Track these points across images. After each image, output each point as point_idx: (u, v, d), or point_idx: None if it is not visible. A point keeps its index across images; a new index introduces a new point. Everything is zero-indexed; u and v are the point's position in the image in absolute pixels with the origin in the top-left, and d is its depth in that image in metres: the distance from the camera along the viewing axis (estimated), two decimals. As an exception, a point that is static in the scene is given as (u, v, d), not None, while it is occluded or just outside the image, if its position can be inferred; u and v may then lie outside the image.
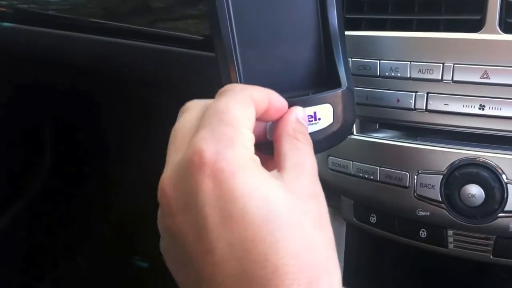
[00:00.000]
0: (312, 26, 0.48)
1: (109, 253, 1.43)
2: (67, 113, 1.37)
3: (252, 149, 0.38)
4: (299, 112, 0.44)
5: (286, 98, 0.46)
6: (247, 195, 0.35)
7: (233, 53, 0.47)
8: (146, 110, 1.23)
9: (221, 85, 0.48)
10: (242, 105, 0.39)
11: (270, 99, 0.42)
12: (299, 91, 0.48)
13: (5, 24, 0.95)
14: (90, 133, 1.40)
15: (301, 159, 0.41)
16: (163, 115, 1.17)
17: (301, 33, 0.48)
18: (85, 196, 1.45)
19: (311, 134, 0.46)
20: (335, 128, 0.47)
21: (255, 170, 0.37)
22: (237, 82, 0.47)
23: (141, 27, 0.86)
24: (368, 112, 0.57)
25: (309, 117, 0.46)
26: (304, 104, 0.46)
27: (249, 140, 0.38)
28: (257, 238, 0.35)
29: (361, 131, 0.59)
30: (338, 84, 0.47)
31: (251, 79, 0.47)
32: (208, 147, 0.36)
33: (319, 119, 0.46)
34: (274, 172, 0.39)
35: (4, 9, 0.99)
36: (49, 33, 0.93)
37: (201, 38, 0.79)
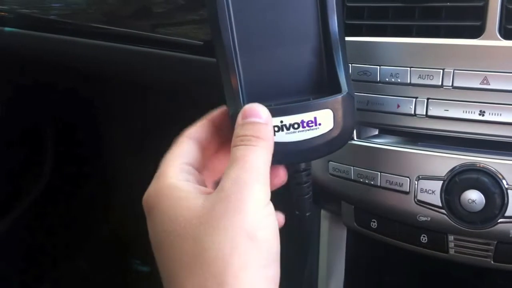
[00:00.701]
0: (313, 32, 0.48)
1: (109, 253, 1.42)
2: (68, 114, 1.38)
3: (178, 175, 0.44)
4: (247, 110, 0.45)
5: (286, 104, 0.46)
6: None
7: (234, 59, 0.47)
8: (145, 112, 1.24)
9: (221, 90, 0.48)
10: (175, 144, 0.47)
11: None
12: (299, 96, 0.48)
13: (7, 29, 0.95)
14: (90, 133, 1.41)
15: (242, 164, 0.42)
16: (161, 117, 1.18)
17: (302, 38, 0.48)
18: (85, 196, 1.45)
19: (311, 139, 0.46)
20: (335, 133, 0.47)
21: (173, 194, 0.42)
22: (237, 88, 0.47)
23: (141, 32, 0.86)
24: (368, 118, 0.57)
25: (309, 122, 0.46)
26: (305, 110, 0.46)
27: (178, 170, 0.44)
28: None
29: (362, 136, 0.59)
30: (338, 90, 0.47)
31: (251, 85, 0.48)
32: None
33: (320, 124, 0.46)
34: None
35: (4, 13, 0.99)
36: (50, 38, 0.93)
37: (201, 43, 0.79)
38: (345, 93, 0.47)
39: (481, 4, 0.52)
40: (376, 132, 0.60)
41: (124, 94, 1.17)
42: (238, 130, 0.44)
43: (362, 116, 0.57)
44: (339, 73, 0.48)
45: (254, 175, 0.41)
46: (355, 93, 0.49)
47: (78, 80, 1.14)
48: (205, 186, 0.46)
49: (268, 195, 0.42)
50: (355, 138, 0.59)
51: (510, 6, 0.51)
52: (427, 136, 0.56)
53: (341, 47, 0.48)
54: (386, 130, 0.59)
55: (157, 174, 0.45)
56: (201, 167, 0.47)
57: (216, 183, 0.48)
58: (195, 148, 0.47)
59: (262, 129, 0.44)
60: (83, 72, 1.05)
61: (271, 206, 0.42)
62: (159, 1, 0.90)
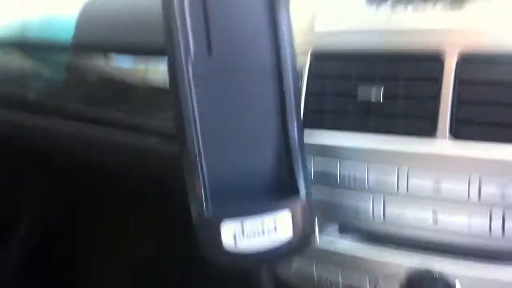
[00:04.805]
0: (274, 136, 0.50)
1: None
2: (44, 201, 1.34)
3: None
4: None
5: (245, 207, 0.48)
6: None
7: (199, 164, 0.48)
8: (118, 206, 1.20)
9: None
10: None
11: None
12: (260, 198, 0.49)
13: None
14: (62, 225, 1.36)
15: None
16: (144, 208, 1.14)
17: (263, 141, 0.50)
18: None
19: (270, 243, 0.47)
20: (294, 239, 0.48)
21: None
22: (201, 194, 0.48)
23: (118, 117, 0.87)
24: (328, 217, 0.58)
25: (268, 225, 0.47)
26: (264, 212, 0.47)
27: None
28: None
29: (323, 230, 0.60)
30: (297, 192, 0.48)
31: (215, 187, 0.49)
32: None
33: (278, 227, 0.47)
34: None
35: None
36: (30, 119, 0.93)
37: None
38: (303, 197, 0.48)
39: (432, 108, 0.53)
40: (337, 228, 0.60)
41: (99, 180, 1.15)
42: None
43: (322, 215, 0.58)
44: (297, 178, 0.49)
45: None
46: (314, 195, 0.50)
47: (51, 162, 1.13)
48: None
49: None
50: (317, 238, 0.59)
51: (460, 108, 0.52)
52: (386, 236, 0.56)
53: (300, 152, 0.49)
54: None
55: None
56: None
57: None
58: None
59: None
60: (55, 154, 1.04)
61: None
62: (139, 84, 0.92)
